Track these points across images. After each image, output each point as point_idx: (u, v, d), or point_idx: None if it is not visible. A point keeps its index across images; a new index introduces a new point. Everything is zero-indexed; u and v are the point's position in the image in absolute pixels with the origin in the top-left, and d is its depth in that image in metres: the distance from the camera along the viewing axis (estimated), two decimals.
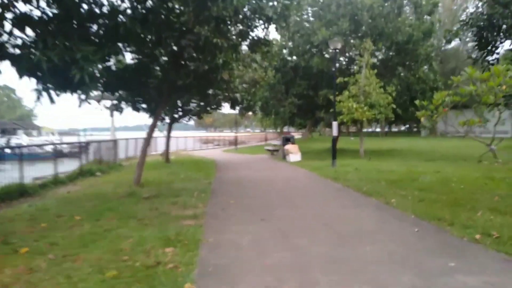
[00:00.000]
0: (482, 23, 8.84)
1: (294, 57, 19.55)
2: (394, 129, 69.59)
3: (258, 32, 8.13)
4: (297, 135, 61.07)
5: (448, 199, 6.31)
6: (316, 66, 17.08)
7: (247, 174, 11.66)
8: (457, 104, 16.29)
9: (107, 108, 10.99)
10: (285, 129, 57.49)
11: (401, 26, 16.24)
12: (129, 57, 8.80)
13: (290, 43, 19.34)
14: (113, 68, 8.44)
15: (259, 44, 8.26)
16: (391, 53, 16.66)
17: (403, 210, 5.97)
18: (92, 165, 14.85)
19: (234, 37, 7.81)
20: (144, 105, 9.90)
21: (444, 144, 25.81)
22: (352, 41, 16.09)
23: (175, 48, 7.95)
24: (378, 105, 15.15)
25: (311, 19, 18.42)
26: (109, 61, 8.36)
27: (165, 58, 8.80)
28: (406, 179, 8.52)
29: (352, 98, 15.46)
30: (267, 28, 7.90)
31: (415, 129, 71.67)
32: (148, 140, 9.82)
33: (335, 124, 12.48)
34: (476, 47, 10.01)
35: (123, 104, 9.67)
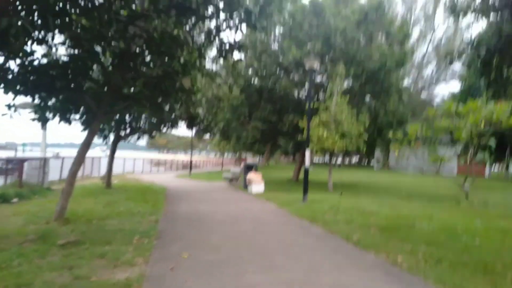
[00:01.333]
0: (495, 43, 7.87)
1: (258, 80, 18.17)
2: (344, 162, 70.55)
3: (231, 34, 6.45)
4: (252, 161, 60.41)
5: (473, 262, 4.84)
6: (284, 89, 15.78)
7: (204, 209, 9.64)
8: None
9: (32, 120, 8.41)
10: (243, 155, 55.80)
11: (373, 54, 15.52)
12: (62, 51, 6.70)
13: (255, 64, 17.98)
14: (35, 62, 6.30)
15: (232, 50, 6.57)
16: (361, 81, 15.82)
17: (422, 276, 4.38)
18: (8, 189, 11.99)
19: (201, 36, 6.05)
20: (77, 116, 7.69)
21: (404, 180, 25.54)
22: (323, 65, 15.03)
23: (121, 44, 6.03)
24: (349, 135, 14.00)
25: (280, 39, 17.29)
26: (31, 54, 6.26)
27: (108, 58, 6.82)
28: (399, 226, 7.05)
29: (323, 126, 14.21)
30: (240, 29, 6.25)
31: (364, 163, 73.57)
32: (79, 161, 7.55)
33: (308, 152, 10.98)
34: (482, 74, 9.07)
35: (48, 113, 7.38)
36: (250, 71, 18.29)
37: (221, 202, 11.35)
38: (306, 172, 10.91)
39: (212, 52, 9.77)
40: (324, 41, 14.94)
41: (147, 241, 5.73)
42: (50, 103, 7.13)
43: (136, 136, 14.57)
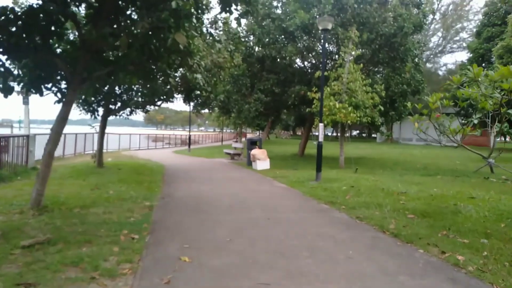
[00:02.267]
0: None
1: (261, 48, 16.62)
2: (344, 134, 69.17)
3: None
4: (251, 136, 59.38)
5: None
6: (289, 57, 14.31)
7: (206, 192, 8.51)
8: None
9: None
10: (243, 130, 54.25)
11: (388, 16, 13.98)
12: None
13: (257, 31, 16.37)
14: None
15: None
16: (375, 47, 14.36)
17: (505, 285, 3.27)
18: None
19: None
20: (49, 85, 6.35)
21: (413, 152, 24.45)
22: (333, 31, 13.52)
23: None
24: (363, 106, 12.71)
25: (284, 1, 15.62)
26: None
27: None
28: (441, 210, 5.92)
29: (334, 97, 12.89)
30: None
31: (364, 135, 71.87)
32: (55, 139, 6.31)
33: (321, 126, 9.75)
34: None
35: (13, 82, 6.06)
36: (252, 39, 16.71)
37: (225, 182, 10.22)
38: (320, 147, 9.73)
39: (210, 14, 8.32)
40: (335, 2, 13.34)
41: (137, 237, 4.59)
42: (14, 69, 5.79)
43: (128, 110, 13.26)
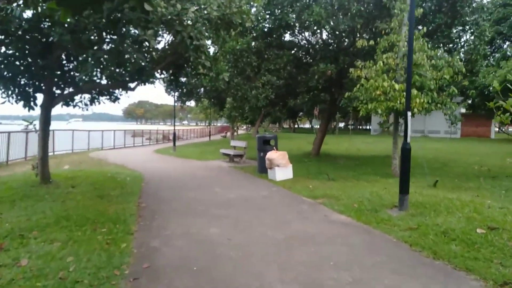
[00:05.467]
0: None
1: (269, 16, 12.44)
2: (329, 127, 63.85)
3: None
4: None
5: None
6: (316, 19, 10.22)
7: (221, 242, 4.50)
8: None
9: None
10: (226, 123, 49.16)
11: None
12: None
13: None
14: None
15: None
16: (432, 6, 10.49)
17: None
18: None
19: None
20: None
21: (431, 146, 20.90)
22: None
23: None
24: (428, 88, 8.86)
25: None
26: None
27: None
28: None
29: (387, 74, 8.97)
30: None
31: (350, 127, 66.40)
32: None
33: (409, 116, 5.80)
34: None
35: None
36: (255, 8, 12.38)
37: (241, 211, 6.16)
38: (406, 152, 5.78)
39: None
40: None
41: None
42: None
43: (87, 97, 8.94)
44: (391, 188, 7.67)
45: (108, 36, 5.49)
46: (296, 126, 77.30)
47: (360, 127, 74.58)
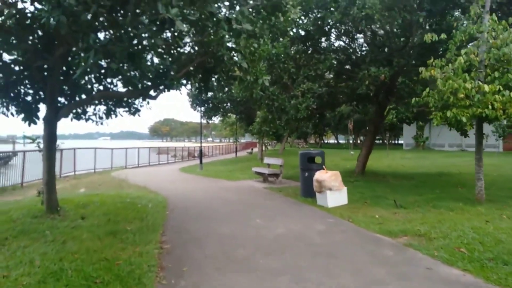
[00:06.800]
0: None
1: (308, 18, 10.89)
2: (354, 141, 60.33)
3: None
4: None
5: None
6: (369, 13, 8.54)
7: None
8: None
9: None
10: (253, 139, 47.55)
11: None
12: None
13: None
14: None
15: None
16: None
17: None
18: None
19: None
20: None
21: (485, 162, 18.39)
22: None
23: None
24: None
25: None
26: None
27: None
28: None
29: (468, 74, 7.10)
30: None
31: (378, 141, 62.29)
32: None
33: None
34: None
35: None
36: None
37: (304, 260, 4.39)
38: None
39: None
40: None
41: None
42: None
43: (103, 109, 7.56)
44: (492, 220, 5.71)
45: (118, 15, 3.99)
46: (322, 141, 74.66)
47: (391, 141, 70.89)
